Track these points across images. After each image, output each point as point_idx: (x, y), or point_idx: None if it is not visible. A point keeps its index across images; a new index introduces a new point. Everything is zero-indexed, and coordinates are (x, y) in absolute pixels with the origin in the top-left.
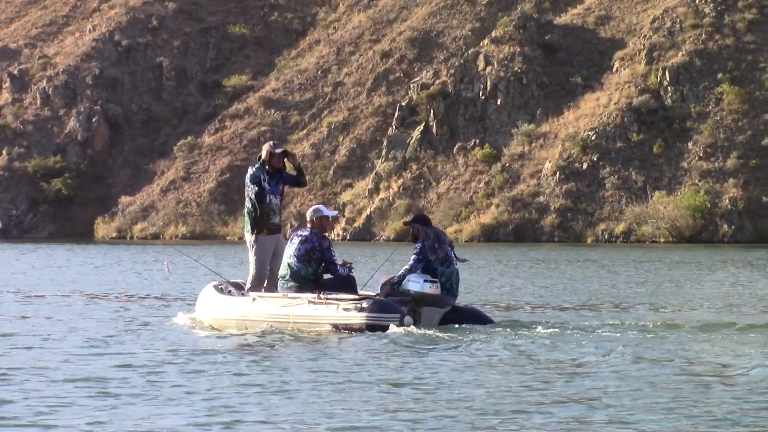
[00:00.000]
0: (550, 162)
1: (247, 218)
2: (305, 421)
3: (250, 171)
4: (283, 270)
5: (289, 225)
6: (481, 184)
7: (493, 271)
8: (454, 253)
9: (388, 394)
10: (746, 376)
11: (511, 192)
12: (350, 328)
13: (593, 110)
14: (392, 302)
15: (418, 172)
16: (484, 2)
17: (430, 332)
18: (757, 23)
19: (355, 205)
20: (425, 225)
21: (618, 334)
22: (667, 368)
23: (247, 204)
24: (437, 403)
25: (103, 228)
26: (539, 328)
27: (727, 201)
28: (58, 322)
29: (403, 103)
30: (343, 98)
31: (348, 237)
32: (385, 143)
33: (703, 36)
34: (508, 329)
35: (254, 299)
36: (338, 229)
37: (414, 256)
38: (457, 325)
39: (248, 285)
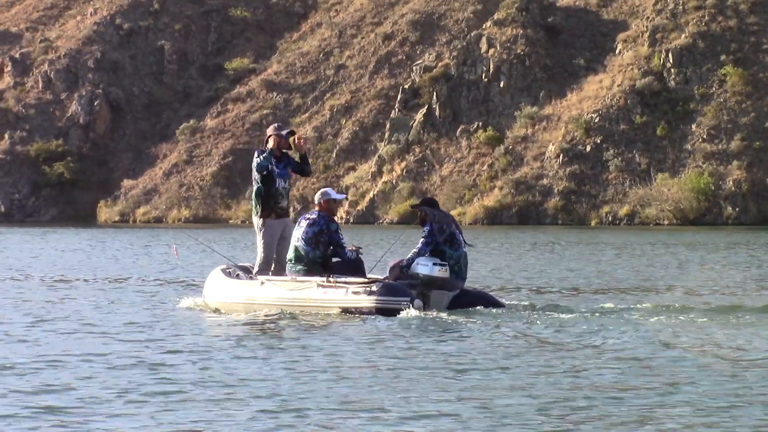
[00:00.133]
0: (553, 144)
1: (254, 202)
2: (374, 407)
3: (258, 160)
4: (291, 253)
5: (291, 209)
6: (485, 167)
7: (511, 254)
8: (462, 237)
9: (451, 380)
10: None
11: (515, 175)
12: (360, 312)
13: (596, 92)
14: (402, 285)
15: (421, 155)
16: None
17: (460, 318)
18: (760, 4)
19: (358, 188)
20: (433, 208)
21: (645, 319)
22: (706, 357)
23: (255, 188)
24: (496, 390)
25: (105, 212)
26: (557, 312)
27: (730, 183)
28: (95, 307)
29: (406, 86)
30: (345, 81)
31: (351, 220)
32: (387, 126)
33: (706, 17)
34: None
35: (262, 283)
36: (341, 213)
37: (422, 240)
38: (490, 309)
39: (256, 269)
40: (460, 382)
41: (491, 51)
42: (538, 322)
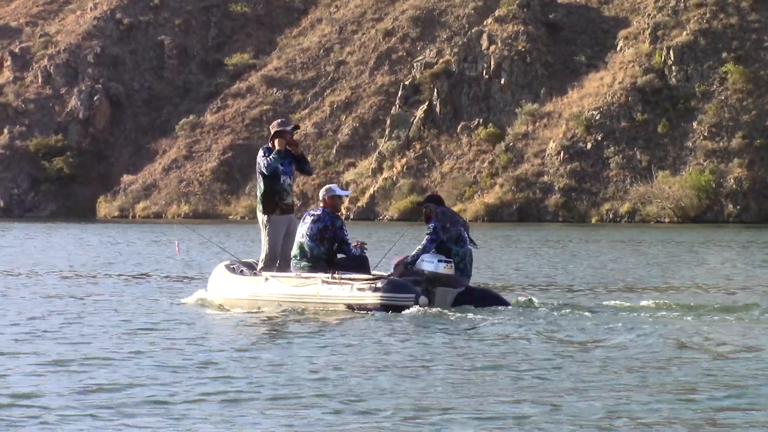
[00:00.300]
0: (554, 141)
1: (259, 198)
2: (448, 407)
3: (267, 161)
4: (296, 249)
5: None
6: (485, 164)
7: (515, 252)
8: (468, 234)
9: (508, 380)
10: None
11: (515, 172)
12: (365, 308)
13: (597, 89)
14: (407, 282)
15: (421, 151)
16: None
17: (471, 315)
18: (761, 2)
19: (359, 184)
20: (438, 205)
21: (651, 316)
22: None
23: (260, 184)
24: (546, 392)
25: (104, 207)
26: (569, 309)
27: (731, 181)
28: (118, 303)
29: (407, 82)
30: (345, 77)
31: (351, 216)
32: (388, 122)
33: (708, 15)
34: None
35: (267, 279)
36: (341, 209)
37: (427, 236)
38: (501, 307)
39: (260, 265)
40: (472, 382)
41: (492, 47)
42: (562, 323)
